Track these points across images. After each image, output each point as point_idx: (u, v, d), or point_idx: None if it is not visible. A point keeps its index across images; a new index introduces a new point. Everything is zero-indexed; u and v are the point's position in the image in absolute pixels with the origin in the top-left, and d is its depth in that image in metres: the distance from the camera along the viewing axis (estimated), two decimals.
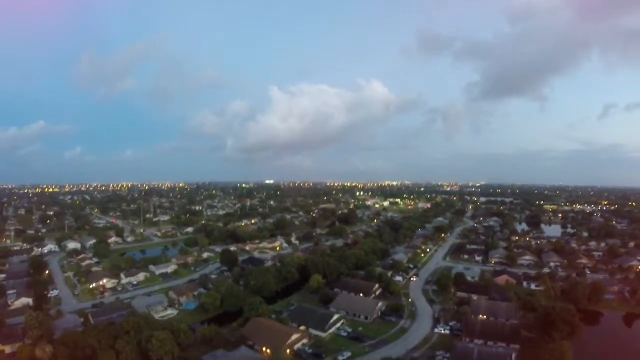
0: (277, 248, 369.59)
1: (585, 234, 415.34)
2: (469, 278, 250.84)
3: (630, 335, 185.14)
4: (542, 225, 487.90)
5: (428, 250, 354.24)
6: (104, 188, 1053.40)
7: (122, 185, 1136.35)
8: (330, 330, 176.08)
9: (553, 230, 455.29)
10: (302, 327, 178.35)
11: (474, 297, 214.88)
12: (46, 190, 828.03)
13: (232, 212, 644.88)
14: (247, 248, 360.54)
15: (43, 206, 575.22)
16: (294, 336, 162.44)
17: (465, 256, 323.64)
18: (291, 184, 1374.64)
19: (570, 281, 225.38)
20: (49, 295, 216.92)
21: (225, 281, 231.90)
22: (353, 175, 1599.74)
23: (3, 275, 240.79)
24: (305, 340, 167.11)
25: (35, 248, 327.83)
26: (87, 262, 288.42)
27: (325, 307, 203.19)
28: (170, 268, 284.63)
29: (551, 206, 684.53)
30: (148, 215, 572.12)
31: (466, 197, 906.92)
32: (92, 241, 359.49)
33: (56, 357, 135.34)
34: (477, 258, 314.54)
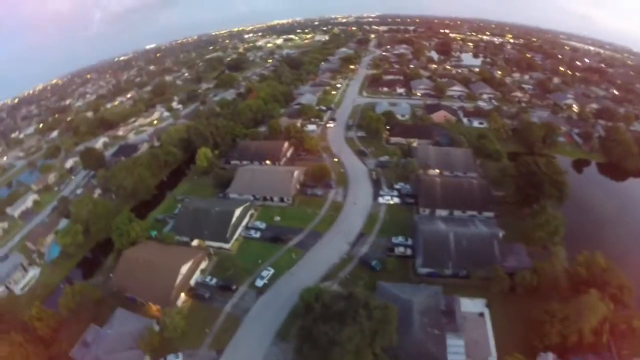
0: (155, 122, 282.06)
1: (501, 64, 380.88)
2: (398, 117, 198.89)
3: (588, 183, 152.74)
4: (458, 54, 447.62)
5: (339, 85, 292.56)
6: None
7: None
8: (237, 235, 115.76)
9: (470, 59, 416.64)
10: (195, 242, 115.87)
11: (414, 143, 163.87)
12: None
13: (104, 94, 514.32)
14: (121, 133, 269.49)
15: None
16: (185, 266, 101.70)
17: (385, 89, 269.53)
18: (174, 43, 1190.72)
19: (522, 120, 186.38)
20: None
21: (85, 199, 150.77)
22: (239, 19, 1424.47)
23: None
24: (204, 265, 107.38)
25: None
26: None
27: (223, 194, 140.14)
28: (30, 200, 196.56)
29: (458, 35, 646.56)
30: (14, 135, 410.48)
31: (365, 27, 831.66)
32: None
33: None
34: (400, 90, 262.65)
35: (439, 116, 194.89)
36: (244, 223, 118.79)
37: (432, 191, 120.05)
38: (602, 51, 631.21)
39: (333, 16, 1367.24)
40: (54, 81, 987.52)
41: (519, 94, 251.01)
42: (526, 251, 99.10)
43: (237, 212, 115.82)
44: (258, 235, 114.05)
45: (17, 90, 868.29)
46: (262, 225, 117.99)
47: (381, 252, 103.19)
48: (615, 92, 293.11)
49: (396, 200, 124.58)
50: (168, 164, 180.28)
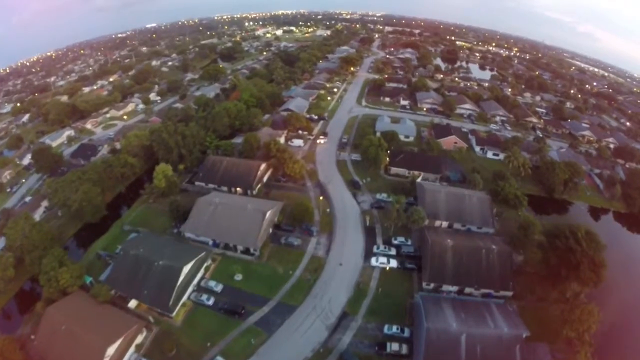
0: (126, 117, 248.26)
1: (512, 80, 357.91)
2: (402, 137, 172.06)
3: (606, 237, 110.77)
4: (465, 64, 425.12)
5: (335, 89, 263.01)
6: None
7: None
8: (185, 298, 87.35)
9: (477, 71, 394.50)
10: (132, 303, 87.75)
11: (419, 177, 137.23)
12: None
13: (87, 75, 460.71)
14: (89, 126, 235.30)
15: None
16: (114, 346, 74.81)
17: (387, 99, 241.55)
18: (175, 25, 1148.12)
19: (543, 158, 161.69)
20: None
21: (20, 221, 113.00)
22: (243, 5, 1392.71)
23: None
24: (140, 338, 79.72)
25: None
26: None
27: (177, 230, 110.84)
28: None
29: (464, 43, 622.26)
30: None
31: (369, 25, 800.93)
32: None
33: None
34: (403, 102, 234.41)
35: (448, 142, 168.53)
36: (195, 281, 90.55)
37: (442, 259, 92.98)
38: (606, 74, 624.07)
39: (338, 11, 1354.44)
40: (49, 53, 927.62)
41: (533, 119, 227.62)
42: (550, 352, 76.95)
43: (186, 269, 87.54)
44: (211, 301, 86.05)
45: (15, 59, 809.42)
46: (218, 288, 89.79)
47: (368, 346, 76.72)
48: (628, 123, 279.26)
49: (393, 264, 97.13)
50: (125, 176, 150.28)
